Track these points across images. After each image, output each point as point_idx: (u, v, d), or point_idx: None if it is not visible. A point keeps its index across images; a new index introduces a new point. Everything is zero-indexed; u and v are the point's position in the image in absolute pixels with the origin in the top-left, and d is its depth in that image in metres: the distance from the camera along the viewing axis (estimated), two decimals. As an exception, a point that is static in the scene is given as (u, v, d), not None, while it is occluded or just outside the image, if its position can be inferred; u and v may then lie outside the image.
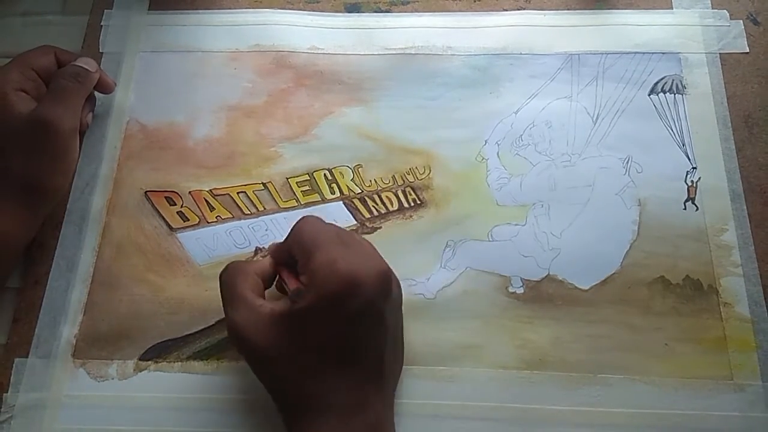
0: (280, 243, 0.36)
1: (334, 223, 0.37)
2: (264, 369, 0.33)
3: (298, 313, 0.31)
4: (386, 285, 0.32)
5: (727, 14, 0.47)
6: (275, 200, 0.43)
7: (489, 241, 0.41)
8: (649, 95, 0.45)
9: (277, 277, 0.36)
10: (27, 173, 0.39)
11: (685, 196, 0.42)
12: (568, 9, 0.48)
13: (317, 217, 0.35)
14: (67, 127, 0.40)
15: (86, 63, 0.42)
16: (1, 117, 0.39)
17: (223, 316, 0.39)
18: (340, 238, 0.33)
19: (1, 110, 0.39)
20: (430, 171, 0.43)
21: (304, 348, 0.32)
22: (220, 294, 0.34)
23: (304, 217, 0.35)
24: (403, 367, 0.38)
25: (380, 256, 0.34)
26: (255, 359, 0.33)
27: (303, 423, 0.32)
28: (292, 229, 0.35)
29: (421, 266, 0.41)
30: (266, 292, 0.35)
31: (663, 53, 0.46)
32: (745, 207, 0.41)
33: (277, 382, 0.33)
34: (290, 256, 0.34)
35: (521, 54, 0.47)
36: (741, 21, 0.47)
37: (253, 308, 0.32)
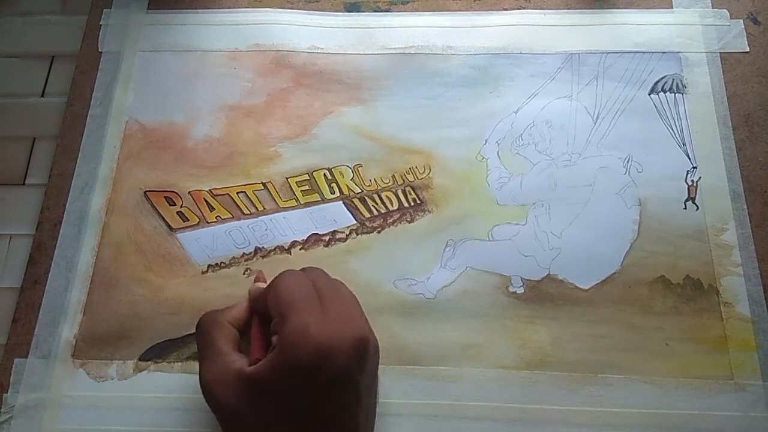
0: (261, 290, 0.34)
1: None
2: (231, 429, 0.32)
3: (266, 377, 0.30)
4: (362, 353, 0.30)
5: (728, 13, 0.47)
6: (275, 200, 0.43)
7: (489, 240, 0.41)
8: (649, 95, 0.45)
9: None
10: None
11: (686, 196, 0.42)
12: (568, 8, 0.48)
13: (298, 273, 0.34)
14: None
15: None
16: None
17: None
18: (318, 298, 0.32)
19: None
20: (430, 170, 0.43)
21: (274, 412, 0.30)
22: (197, 347, 0.34)
23: (283, 273, 0.33)
24: (403, 366, 0.38)
25: (361, 315, 0.32)
26: (222, 418, 0.32)
27: None
28: (271, 283, 0.33)
29: (421, 266, 0.41)
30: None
31: (663, 53, 0.46)
32: (745, 206, 0.41)
33: None
34: (265, 307, 0.33)
35: (521, 53, 0.46)
36: (741, 20, 0.47)
37: (225, 366, 0.31)
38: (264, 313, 0.34)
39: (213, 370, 0.32)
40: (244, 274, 0.41)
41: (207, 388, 0.32)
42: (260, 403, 0.30)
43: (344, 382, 0.30)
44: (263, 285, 0.36)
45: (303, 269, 0.35)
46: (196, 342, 0.34)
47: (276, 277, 0.34)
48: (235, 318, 0.35)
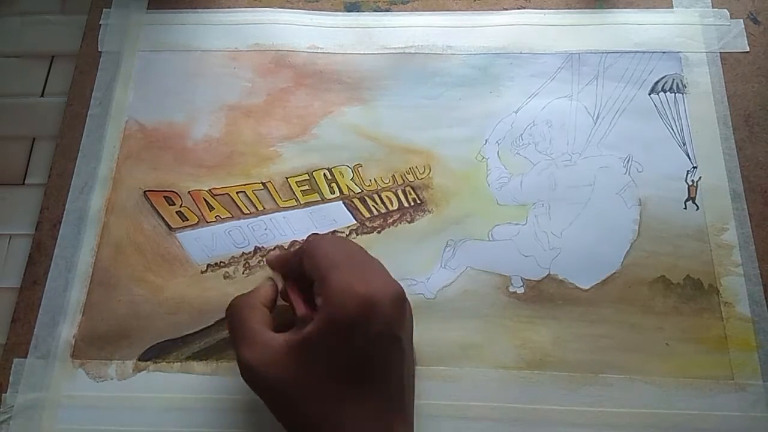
0: (287, 254, 0.35)
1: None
2: (285, 406, 0.31)
3: (315, 339, 0.30)
4: (402, 307, 0.32)
5: (728, 13, 0.47)
6: (275, 200, 0.43)
7: (489, 240, 0.41)
8: (649, 94, 0.45)
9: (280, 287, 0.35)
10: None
11: (686, 196, 0.42)
12: (568, 8, 0.48)
13: (330, 236, 0.34)
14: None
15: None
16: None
17: (223, 317, 0.39)
18: (355, 258, 0.33)
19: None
20: (430, 170, 0.43)
21: (323, 377, 0.30)
22: (229, 333, 0.34)
23: (314, 236, 0.34)
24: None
25: (390, 275, 0.33)
26: (275, 397, 0.31)
27: None
28: (305, 246, 0.34)
29: (421, 266, 0.41)
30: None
31: (663, 52, 0.46)
32: (745, 206, 0.41)
33: (299, 418, 0.31)
34: (298, 272, 0.33)
35: (521, 53, 0.46)
36: (741, 20, 0.46)
37: (266, 344, 0.31)
38: (298, 277, 0.34)
39: (255, 350, 0.31)
40: (243, 273, 0.41)
41: (251, 369, 0.31)
42: (311, 368, 0.30)
43: (389, 336, 0.31)
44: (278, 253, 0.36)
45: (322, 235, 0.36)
46: (229, 328, 0.34)
47: (308, 241, 0.34)
48: (266, 298, 0.35)
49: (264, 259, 0.41)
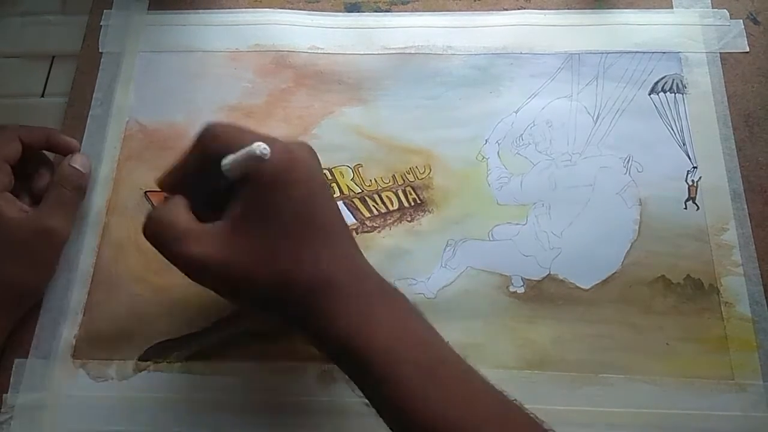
0: (182, 159, 0.33)
1: None
2: (250, 284, 0.30)
3: (252, 206, 0.30)
4: (313, 151, 0.32)
5: (728, 13, 0.47)
6: (275, 200, 0.43)
7: (489, 240, 0.41)
8: (649, 95, 0.45)
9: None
10: (19, 281, 0.38)
11: (686, 196, 0.42)
12: (568, 8, 0.48)
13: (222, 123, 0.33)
14: (67, 237, 0.40)
15: (81, 164, 0.41)
16: None
17: (223, 317, 0.39)
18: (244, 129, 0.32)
19: None
20: (430, 170, 0.43)
21: (278, 237, 0.29)
22: (159, 248, 0.31)
23: (208, 125, 0.32)
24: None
25: None
26: (240, 278, 0.30)
27: (320, 311, 0.29)
28: (203, 133, 0.32)
29: (422, 266, 0.41)
30: None
31: (663, 53, 0.46)
32: (745, 206, 0.41)
33: (272, 291, 0.30)
34: (198, 169, 0.32)
35: (521, 53, 0.46)
36: (741, 20, 0.47)
37: (209, 233, 0.30)
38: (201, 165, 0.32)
39: (202, 242, 0.30)
40: None
41: (204, 263, 0.30)
42: (263, 235, 0.29)
43: (316, 179, 0.31)
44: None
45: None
46: (158, 242, 0.31)
47: (205, 128, 0.32)
48: (186, 203, 0.32)
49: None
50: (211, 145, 0.32)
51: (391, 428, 0.30)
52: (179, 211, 0.31)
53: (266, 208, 0.30)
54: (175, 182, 0.33)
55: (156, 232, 0.31)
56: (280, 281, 0.30)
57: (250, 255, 0.29)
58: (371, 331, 0.29)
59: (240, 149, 0.30)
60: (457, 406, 0.29)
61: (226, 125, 0.32)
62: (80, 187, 0.41)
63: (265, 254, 0.29)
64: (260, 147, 0.28)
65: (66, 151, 0.42)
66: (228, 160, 0.30)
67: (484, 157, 0.44)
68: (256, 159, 0.28)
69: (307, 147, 0.32)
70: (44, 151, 0.42)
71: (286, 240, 0.30)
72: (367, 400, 0.30)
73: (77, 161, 0.41)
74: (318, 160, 0.33)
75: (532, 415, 0.30)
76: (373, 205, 0.43)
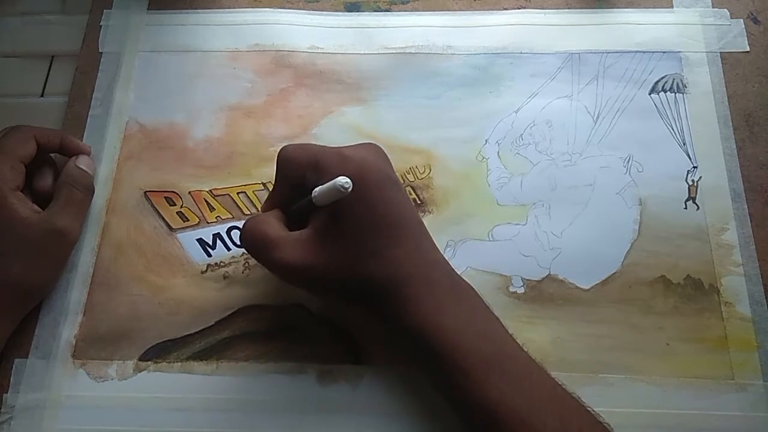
0: (275, 188, 0.37)
1: None
2: (334, 283, 0.34)
3: (336, 214, 0.33)
4: (384, 153, 0.36)
5: (728, 13, 0.47)
6: (275, 200, 0.43)
7: (489, 240, 0.41)
8: (649, 94, 0.45)
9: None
10: (27, 281, 0.38)
11: (686, 196, 0.42)
12: (568, 8, 0.48)
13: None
14: (77, 238, 0.41)
15: (86, 166, 0.42)
16: (1, 221, 0.37)
17: (223, 317, 0.39)
18: (326, 147, 0.36)
19: (3, 214, 0.37)
20: (430, 170, 0.43)
21: (362, 240, 0.33)
22: (254, 255, 0.35)
23: (280, 151, 0.36)
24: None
25: None
26: (323, 280, 0.34)
27: (395, 306, 0.33)
28: (281, 156, 0.36)
29: (422, 266, 0.41)
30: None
31: (663, 52, 0.46)
32: (746, 206, 0.41)
33: (359, 285, 0.33)
34: (288, 194, 0.36)
35: (521, 53, 0.46)
36: (741, 20, 0.46)
37: (296, 241, 0.33)
38: (291, 186, 0.36)
39: (287, 250, 0.33)
40: (243, 273, 0.41)
41: (287, 267, 0.33)
42: (348, 240, 0.33)
43: (390, 181, 0.34)
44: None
45: None
46: (253, 249, 0.35)
47: (281, 153, 0.36)
48: (278, 214, 0.36)
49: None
50: (287, 167, 0.36)
51: (456, 415, 0.33)
52: (270, 221, 0.35)
53: (345, 217, 0.33)
54: (271, 209, 0.37)
55: (251, 241, 0.35)
56: (360, 280, 0.33)
57: (334, 259, 0.33)
58: (439, 323, 0.32)
59: (310, 164, 0.34)
60: (520, 396, 0.31)
61: (294, 147, 0.36)
62: (90, 188, 0.42)
63: (346, 258, 0.33)
64: (342, 181, 0.31)
65: (76, 154, 0.42)
66: (317, 192, 0.33)
67: (484, 157, 0.44)
68: (340, 191, 0.31)
69: (375, 148, 0.36)
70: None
71: (363, 244, 0.33)
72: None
73: (83, 162, 0.42)
74: (385, 157, 0.36)
75: (594, 414, 0.32)
76: (373, 205, 0.43)
